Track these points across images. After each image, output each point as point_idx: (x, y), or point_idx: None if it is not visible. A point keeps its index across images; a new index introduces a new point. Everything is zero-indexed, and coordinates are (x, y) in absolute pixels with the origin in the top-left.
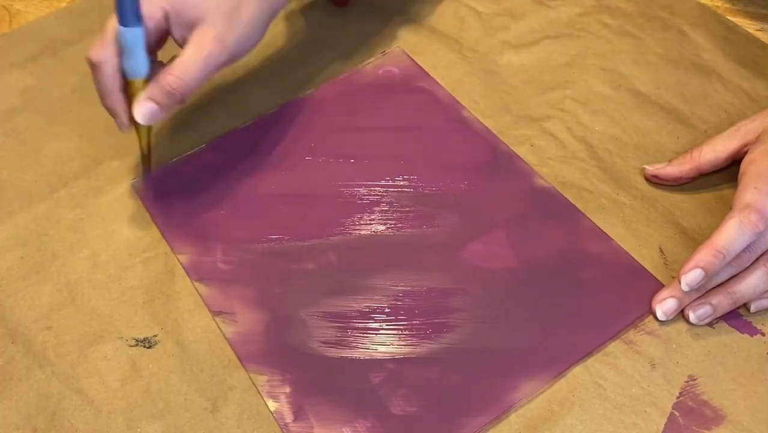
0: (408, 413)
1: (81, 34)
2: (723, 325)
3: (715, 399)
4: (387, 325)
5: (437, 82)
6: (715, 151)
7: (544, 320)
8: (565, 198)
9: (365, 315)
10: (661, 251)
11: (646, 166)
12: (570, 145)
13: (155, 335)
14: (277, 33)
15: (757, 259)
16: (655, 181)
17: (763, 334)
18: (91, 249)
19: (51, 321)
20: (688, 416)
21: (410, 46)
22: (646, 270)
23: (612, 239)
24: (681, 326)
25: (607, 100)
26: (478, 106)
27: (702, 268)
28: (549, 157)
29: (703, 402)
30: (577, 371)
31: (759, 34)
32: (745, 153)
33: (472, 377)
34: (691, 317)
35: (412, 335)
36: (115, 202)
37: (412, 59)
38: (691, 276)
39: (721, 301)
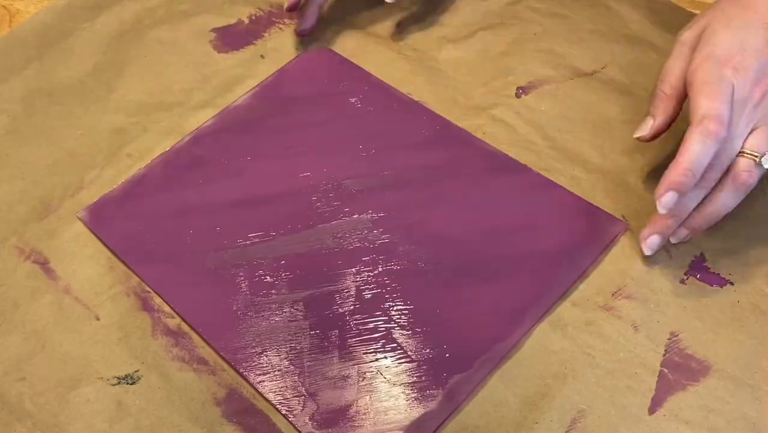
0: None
1: (5, 73)
2: (693, 281)
3: (699, 351)
4: (376, 307)
5: (363, 69)
6: (677, 75)
7: (516, 268)
8: (510, 157)
9: (350, 300)
10: (623, 217)
11: (637, 135)
12: (520, 129)
13: (137, 371)
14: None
15: (724, 177)
16: (653, 138)
17: (732, 283)
18: (54, 293)
19: (23, 372)
20: (677, 371)
21: (349, 50)
22: (598, 208)
23: (562, 187)
24: (655, 286)
25: (549, 81)
26: (426, 101)
27: (674, 189)
28: (502, 143)
29: (688, 356)
30: (564, 343)
31: (679, 2)
32: None
33: (464, 327)
34: (672, 238)
35: (400, 303)
36: (71, 241)
37: (334, 51)
38: (665, 199)
39: (698, 221)
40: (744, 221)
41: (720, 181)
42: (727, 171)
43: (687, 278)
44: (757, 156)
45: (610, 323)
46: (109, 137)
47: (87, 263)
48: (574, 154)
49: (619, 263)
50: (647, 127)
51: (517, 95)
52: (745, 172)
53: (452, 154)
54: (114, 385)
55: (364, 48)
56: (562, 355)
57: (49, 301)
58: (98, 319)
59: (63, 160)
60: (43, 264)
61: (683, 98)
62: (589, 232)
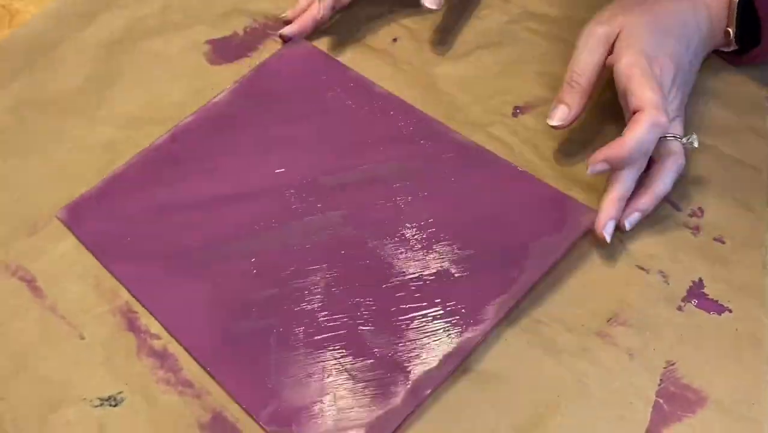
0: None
1: None
2: (691, 307)
3: (695, 381)
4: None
5: (342, 63)
6: (594, 70)
7: (484, 264)
8: (485, 150)
9: (318, 297)
10: (620, 241)
11: (554, 124)
12: (516, 147)
13: (120, 392)
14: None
15: (665, 159)
16: (562, 128)
17: (730, 311)
18: (39, 311)
19: (3, 392)
20: (672, 402)
21: (345, 61)
22: (571, 198)
23: (535, 178)
24: (651, 312)
25: (546, 103)
26: None
27: (610, 162)
28: None
29: (685, 386)
30: (558, 370)
31: None
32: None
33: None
34: (626, 225)
35: (367, 300)
36: (59, 259)
37: (313, 45)
38: (598, 167)
39: (646, 203)
40: (744, 246)
41: (659, 165)
42: (668, 155)
43: (684, 305)
44: (680, 138)
45: (605, 351)
46: (99, 152)
47: (74, 281)
48: (571, 174)
49: (615, 288)
50: (564, 116)
51: (514, 114)
52: (678, 155)
53: (427, 147)
54: (96, 406)
55: (360, 60)
56: (555, 382)
57: (33, 319)
58: (83, 338)
59: (52, 175)
60: (30, 282)
61: (593, 92)
62: (561, 222)
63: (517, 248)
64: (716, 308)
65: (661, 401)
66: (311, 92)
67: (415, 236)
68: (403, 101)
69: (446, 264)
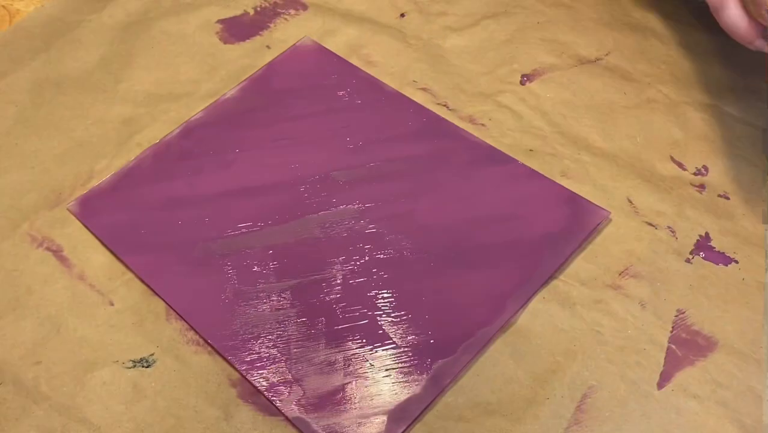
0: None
1: (12, 64)
2: (698, 260)
3: (706, 328)
4: (365, 296)
5: (351, 63)
6: None
7: (499, 257)
8: (495, 148)
9: (337, 288)
10: (629, 201)
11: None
12: (526, 115)
13: (152, 354)
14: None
15: None
16: None
17: (737, 262)
18: (68, 279)
19: (38, 356)
20: (684, 347)
21: (354, 39)
22: (580, 197)
23: (546, 177)
24: (661, 265)
25: (553, 69)
26: (432, 88)
27: None
28: (509, 129)
29: (695, 332)
30: (573, 321)
31: None
32: None
33: (448, 313)
34: None
35: (386, 291)
36: (84, 230)
37: (322, 45)
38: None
39: None
40: (748, 201)
41: None
42: None
43: (692, 257)
44: None
45: (618, 301)
46: (118, 127)
47: (100, 250)
48: (579, 139)
49: (626, 243)
50: None
51: (522, 82)
52: None
53: (438, 145)
54: (129, 368)
55: (370, 38)
56: (571, 333)
57: (62, 287)
58: (112, 304)
59: (73, 149)
60: (56, 252)
61: None
62: (571, 220)
63: (528, 245)
64: (723, 259)
65: (673, 346)
66: (321, 90)
67: (430, 231)
68: (411, 100)
69: (460, 258)
